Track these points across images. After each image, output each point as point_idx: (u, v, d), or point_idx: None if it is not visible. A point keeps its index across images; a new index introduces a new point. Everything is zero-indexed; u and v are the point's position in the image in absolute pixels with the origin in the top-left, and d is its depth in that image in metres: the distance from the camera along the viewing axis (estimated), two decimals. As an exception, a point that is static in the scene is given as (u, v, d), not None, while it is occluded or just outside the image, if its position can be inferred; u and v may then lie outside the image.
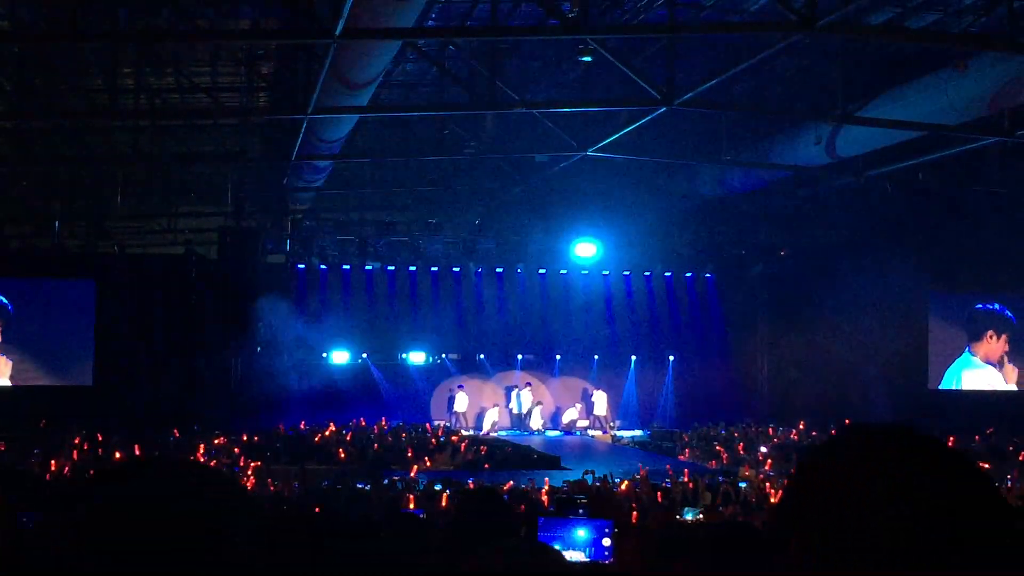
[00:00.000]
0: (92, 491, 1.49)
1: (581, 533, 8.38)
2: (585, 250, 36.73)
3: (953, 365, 37.19)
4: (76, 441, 26.35)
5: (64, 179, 33.51)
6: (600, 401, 37.37)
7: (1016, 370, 37.29)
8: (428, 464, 27.15)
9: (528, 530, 10.38)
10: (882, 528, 1.36)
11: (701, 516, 13.95)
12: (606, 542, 8.62)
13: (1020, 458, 27.50)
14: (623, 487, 18.61)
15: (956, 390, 36.95)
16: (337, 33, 17.09)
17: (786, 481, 1.51)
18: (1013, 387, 37.04)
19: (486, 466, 27.64)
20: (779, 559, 1.47)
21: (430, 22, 21.86)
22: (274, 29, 23.37)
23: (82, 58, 25.33)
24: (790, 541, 1.46)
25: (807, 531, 1.42)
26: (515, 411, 37.47)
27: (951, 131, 24.30)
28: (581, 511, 12.27)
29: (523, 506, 15.04)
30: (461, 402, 36.99)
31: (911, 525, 1.36)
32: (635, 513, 14.20)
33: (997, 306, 37.31)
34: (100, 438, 27.32)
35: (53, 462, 21.83)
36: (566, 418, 37.31)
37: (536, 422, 37.10)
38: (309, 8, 19.14)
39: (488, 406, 37.24)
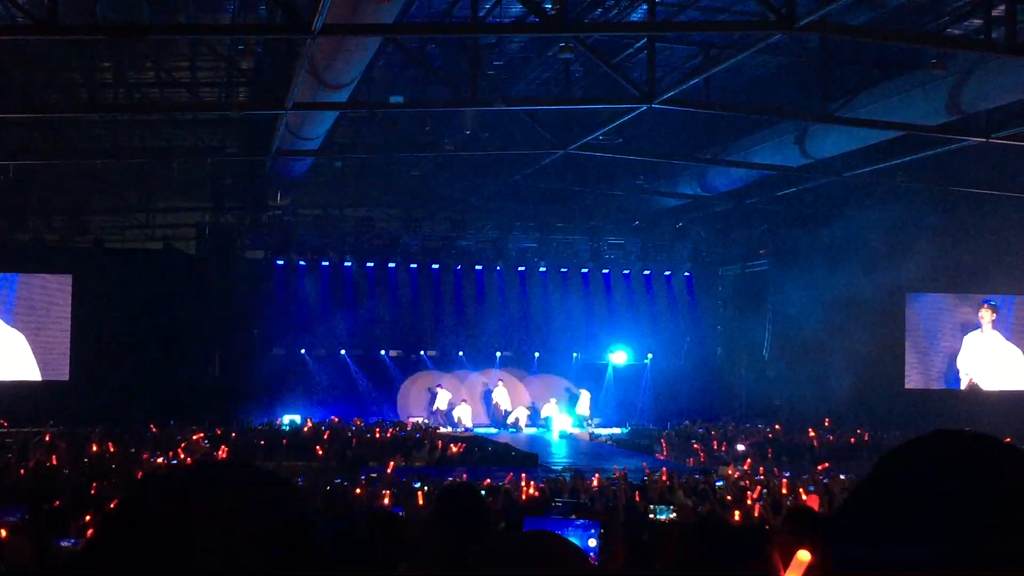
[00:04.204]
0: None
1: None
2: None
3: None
4: (48, 438, 26.19)
5: (42, 173, 33.35)
6: (584, 400, 37.38)
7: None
8: (404, 461, 27.06)
9: (508, 527, 10.39)
10: (959, 533, 1.35)
11: (674, 515, 13.95)
12: (592, 543, 8.62)
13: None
14: (595, 483, 18.67)
15: (932, 390, 37.09)
16: (316, 29, 17.06)
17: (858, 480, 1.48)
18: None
19: (469, 462, 27.62)
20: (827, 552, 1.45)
21: (410, 18, 21.81)
22: (253, 24, 23.32)
23: (61, 52, 25.22)
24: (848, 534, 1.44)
25: (880, 527, 1.40)
26: (493, 409, 37.49)
27: (930, 132, 24.42)
28: (574, 515, 12.27)
29: (501, 503, 15.05)
30: (442, 399, 36.99)
31: (993, 532, 1.34)
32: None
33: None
34: (78, 433, 27.20)
35: (32, 460, 21.70)
36: (544, 414, 37.29)
37: (514, 419, 37.08)
38: (289, 4, 19.09)
39: (465, 403, 37.21)
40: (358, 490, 17.09)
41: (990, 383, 37.46)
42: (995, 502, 1.36)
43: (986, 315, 37.71)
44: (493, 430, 36.16)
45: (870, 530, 1.40)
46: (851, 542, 1.42)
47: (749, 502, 16.35)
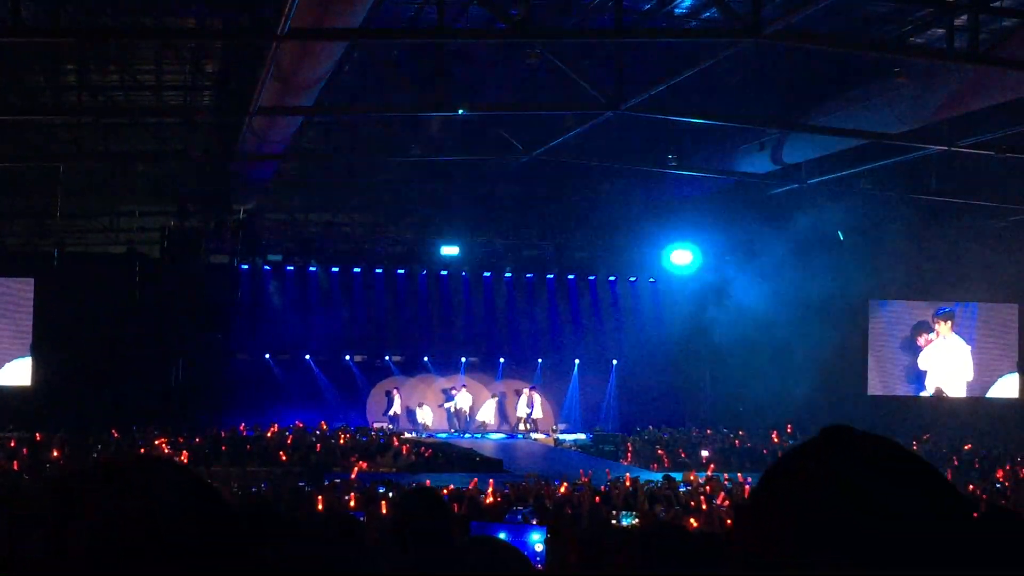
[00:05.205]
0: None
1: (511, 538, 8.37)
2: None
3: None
4: (12, 444, 26.01)
5: (4, 176, 33.06)
6: (537, 404, 37.42)
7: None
8: (366, 466, 26.94)
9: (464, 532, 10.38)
10: (852, 528, 1.37)
11: (637, 521, 13.97)
12: (538, 547, 8.64)
13: (954, 462, 27.95)
14: (561, 490, 18.70)
15: (893, 396, 37.36)
16: (282, 33, 17.00)
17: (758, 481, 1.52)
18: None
19: (433, 467, 27.58)
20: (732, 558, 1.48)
21: (376, 23, 21.74)
22: (219, 28, 23.19)
23: (24, 54, 25.01)
24: (750, 538, 1.46)
25: (774, 529, 1.42)
26: (456, 414, 37.43)
27: (893, 140, 24.56)
28: (532, 520, 12.29)
29: (464, 508, 15.02)
30: (399, 404, 36.93)
31: (883, 526, 1.37)
32: (569, 512, 14.27)
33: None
34: (39, 439, 27.00)
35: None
36: (509, 415, 37.35)
37: (480, 422, 37.08)
38: (255, 7, 19.03)
39: (428, 408, 37.17)
40: (321, 495, 17.04)
41: (952, 389, 37.73)
42: (882, 509, 1.39)
43: (942, 326, 38.01)
44: (454, 432, 36.20)
45: (764, 534, 1.42)
46: (747, 547, 1.44)
47: (706, 507, 16.41)
